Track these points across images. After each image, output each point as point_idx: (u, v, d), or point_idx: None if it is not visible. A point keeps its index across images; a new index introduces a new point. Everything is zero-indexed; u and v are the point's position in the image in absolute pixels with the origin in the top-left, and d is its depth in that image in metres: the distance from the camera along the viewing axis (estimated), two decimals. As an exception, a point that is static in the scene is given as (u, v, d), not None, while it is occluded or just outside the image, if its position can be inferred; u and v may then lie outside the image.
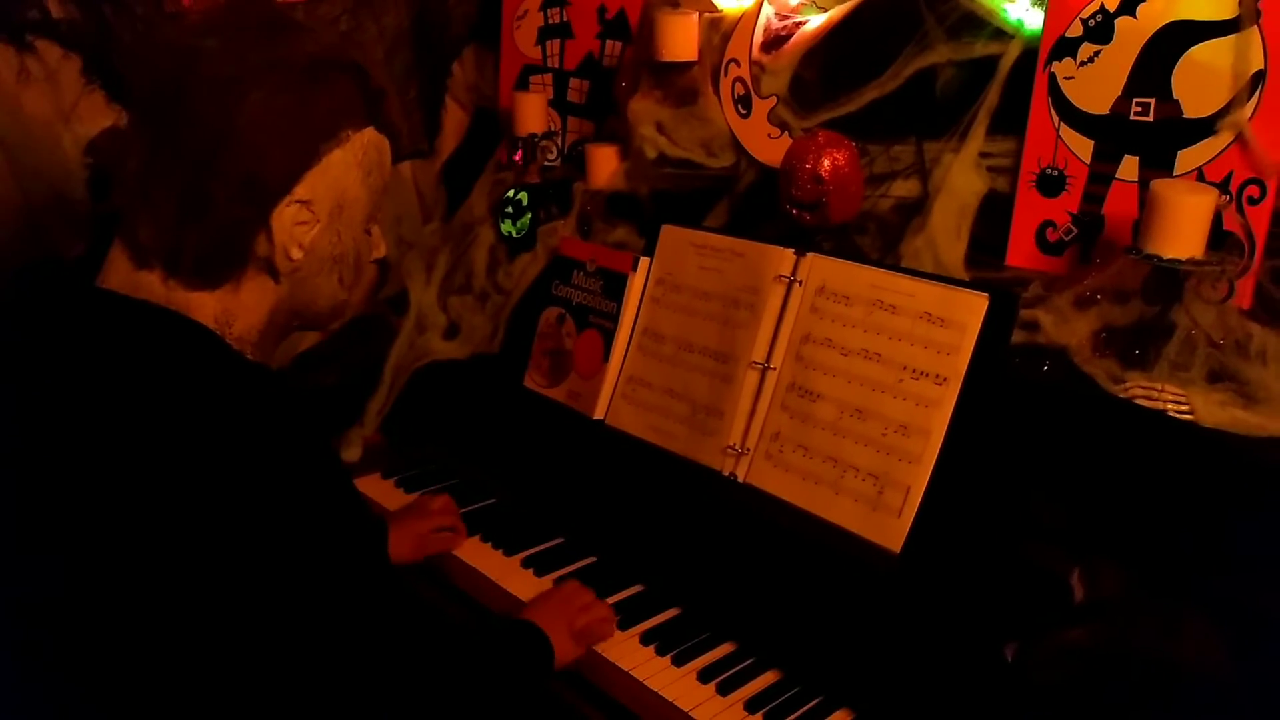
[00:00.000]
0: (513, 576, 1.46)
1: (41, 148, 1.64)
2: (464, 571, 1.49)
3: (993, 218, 1.43)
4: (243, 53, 0.92)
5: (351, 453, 1.78)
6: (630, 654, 1.30)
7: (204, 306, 0.96)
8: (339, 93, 0.97)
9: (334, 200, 0.99)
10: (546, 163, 1.93)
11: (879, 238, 1.50)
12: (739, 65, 1.67)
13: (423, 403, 1.82)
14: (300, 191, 0.96)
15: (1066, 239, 1.39)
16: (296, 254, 0.98)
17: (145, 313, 0.93)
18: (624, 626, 1.34)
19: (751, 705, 1.21)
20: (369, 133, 1.01)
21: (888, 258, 1.46)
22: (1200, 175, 1.27)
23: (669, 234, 1.59)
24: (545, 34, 2.01)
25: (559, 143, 1.99)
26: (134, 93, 0.95)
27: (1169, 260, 1.17)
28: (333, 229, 1.00)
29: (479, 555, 1.51)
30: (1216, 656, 1.01)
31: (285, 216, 0.95)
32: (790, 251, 1.43)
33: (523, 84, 2.05)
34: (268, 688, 0.90)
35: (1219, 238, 1.23)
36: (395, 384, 1.84)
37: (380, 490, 1.71)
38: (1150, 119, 1.30)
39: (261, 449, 0.88)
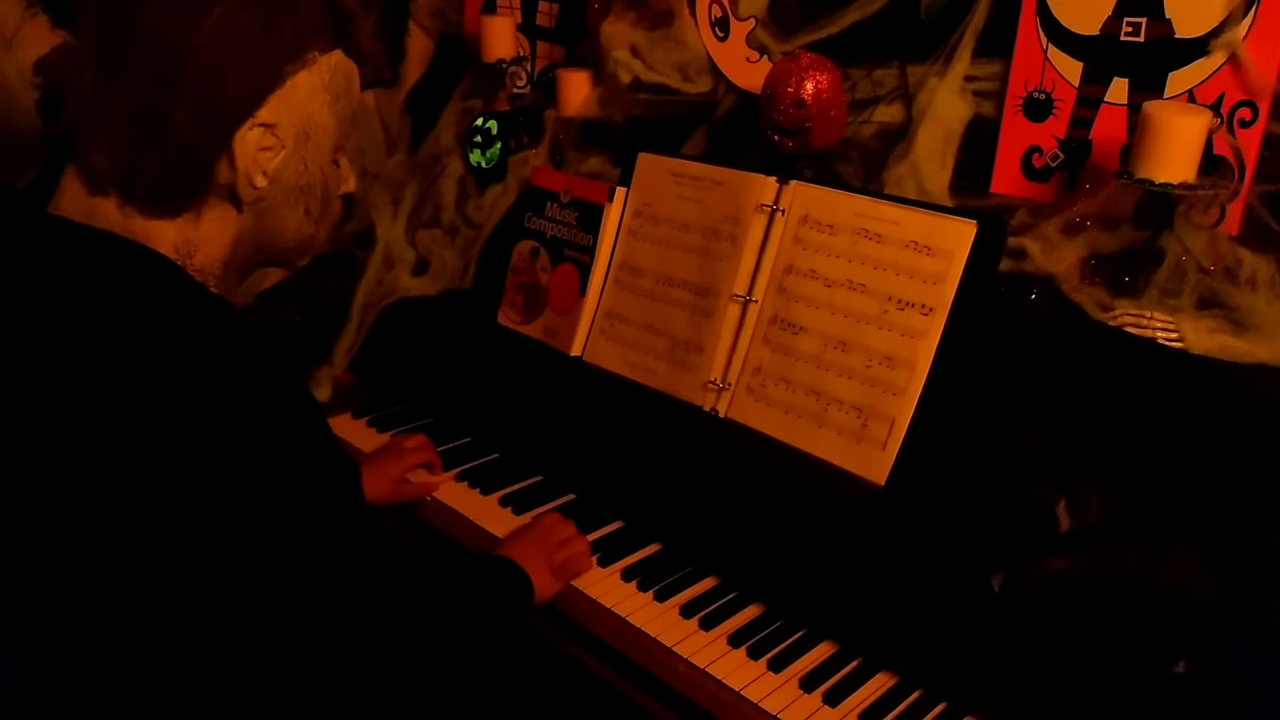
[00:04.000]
0: (491, 515, 1.44)
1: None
2: (441, 511, 1.46)
3: (978, 144, 1.40)
4: None
5: (322, 393, 1.75)
6: (612, 590, 1.28)
7: (163, 236, 0.91)
8: (305, 12, 0.93)
9: (300, 126, 0.95)
10: (516, 90, 1.87)
11: (861, 165, 1.47)
12: (716, -15, 1.61)
13: (393, 341, 1.77)
14: (264, 115, 0.91)
15: (1053, 165, 1.36)
16: (260, 181, 0.93)
17: (100, 241, 0.89)
18: (605, 563, 1.32)
19: (735, 639, 1.20)
20: (336, 56, 0.97)
21: (870, 186, 1.43)
22: (1191, 98, 1.24)
23: (646, 162, 1.54)
24: (512, -46, 1.93)
25: (528, 69, 1.92)
26: (85, 5, 0.89)
27: (1161, 184, 1.15)
28: (299, 157, 0.96)
29: (456, 495, 1.49)
30: (1203, 583, 1.01)
31: (248, 141, 0.91)
32: (772, 179, 1.38)
33: (489, 8, 1.97)
34: (239, 633, 0.88)
35: (1209, 162, 1.20)
36: (364, 322, 1.80)
37: (352, 430, 1.67)
38: (1141, 39, 1.27)
39: (228, 385, 0.84)
